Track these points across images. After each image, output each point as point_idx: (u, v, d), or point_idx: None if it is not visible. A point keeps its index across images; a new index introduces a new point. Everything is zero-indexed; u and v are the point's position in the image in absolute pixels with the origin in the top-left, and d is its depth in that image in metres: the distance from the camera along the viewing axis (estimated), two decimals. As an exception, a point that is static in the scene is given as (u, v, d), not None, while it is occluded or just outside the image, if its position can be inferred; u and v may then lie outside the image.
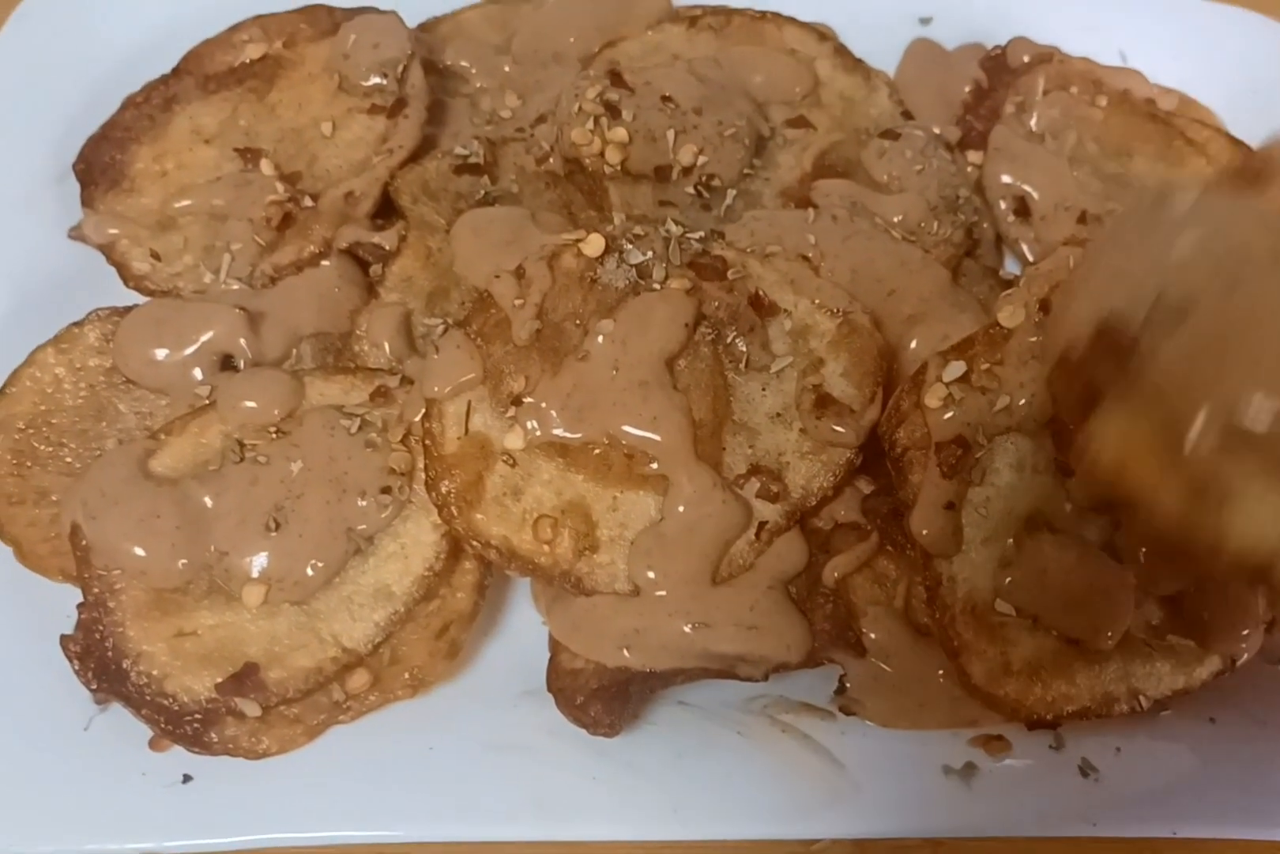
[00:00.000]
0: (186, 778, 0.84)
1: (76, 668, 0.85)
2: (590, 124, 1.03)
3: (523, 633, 0.93)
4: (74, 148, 1.08)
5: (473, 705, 0.88)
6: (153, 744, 0.85)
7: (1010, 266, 1.12)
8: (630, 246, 0.94)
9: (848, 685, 0.89)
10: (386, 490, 0.88)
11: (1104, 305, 0.48)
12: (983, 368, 0.89)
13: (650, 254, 0.94)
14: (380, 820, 0.82)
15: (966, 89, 1.20)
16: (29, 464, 0.93)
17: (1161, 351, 0.43)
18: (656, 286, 0.93)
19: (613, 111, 1.05)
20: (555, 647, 0.89)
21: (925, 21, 1.28)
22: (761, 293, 0.95)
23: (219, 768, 0.83)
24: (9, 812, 0.82)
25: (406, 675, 0.87)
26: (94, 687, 0.85)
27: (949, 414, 0.88)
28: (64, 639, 0.86)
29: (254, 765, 0.84)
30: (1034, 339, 0.89)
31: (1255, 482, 0.39)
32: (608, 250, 0.93)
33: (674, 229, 0.97)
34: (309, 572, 0.85)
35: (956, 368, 0.89)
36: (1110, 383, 0.46)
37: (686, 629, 0.85)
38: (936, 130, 1.14)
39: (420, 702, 0.87)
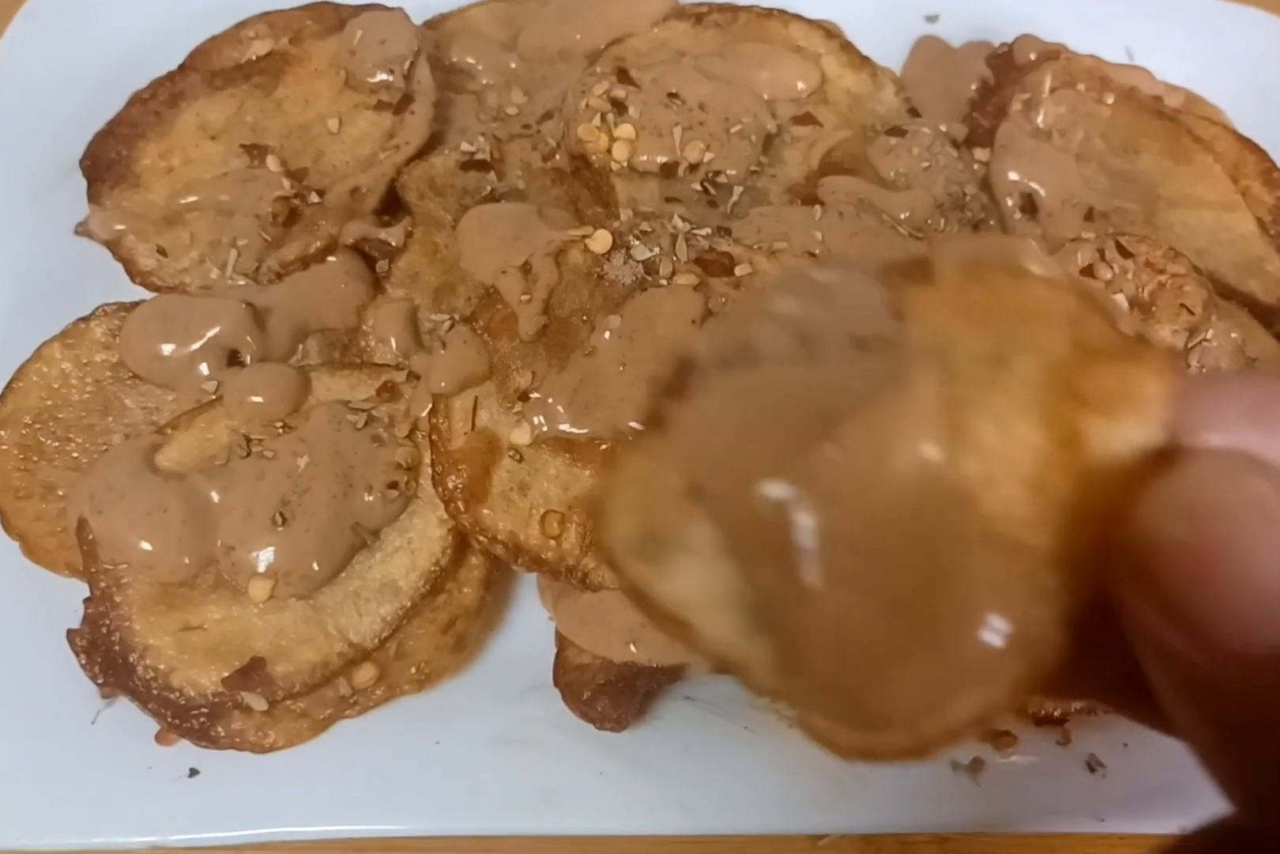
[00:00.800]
0: (193, 772, 0.83)
1: (83, 662, 0.85)
2: (597, 120, 1.03)
3: (528, 629, 0.93)
4: (79, 144, 1.07)
5: (479, 700, 0.88)
6: (159, 738, 0.85)
7: (1016, 263, 1.12)
8: (637, 243, 0.94)
9: (854, 681, 0.89)
10: (393, 485, 0.88)
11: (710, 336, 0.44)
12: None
13: (657, 250, 0.94)
14: (387, 814, 0.82)
15: (973, 86, 1.19)
16: (35, 459, 0.93)
17: (698, 396, 0.40)
18: (664, 283, 0.92)
19: (619, 108, 1.05)
20: (561, 642, 0.89)
21: (932, 19, 1.28)
22: (768, 289, 0.94)
23: (226, 762, 0.83)
24: (15, 806, 0.82)
25: (413, 670, 0.86)
26: (100, 681, 0.85)
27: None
28: (70, 633, 0.86)
29: (261, 759, 0.84)
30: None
31: (697, 549, 0.37)
32: (614, 246, 0.93)
33: (680, 225, 0.97)
34: (315, 566, 0.85)
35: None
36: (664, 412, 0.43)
37: (692, 624, 0.85)
38: (943, 128, 1.13)
39: (426, 696, 0.87)
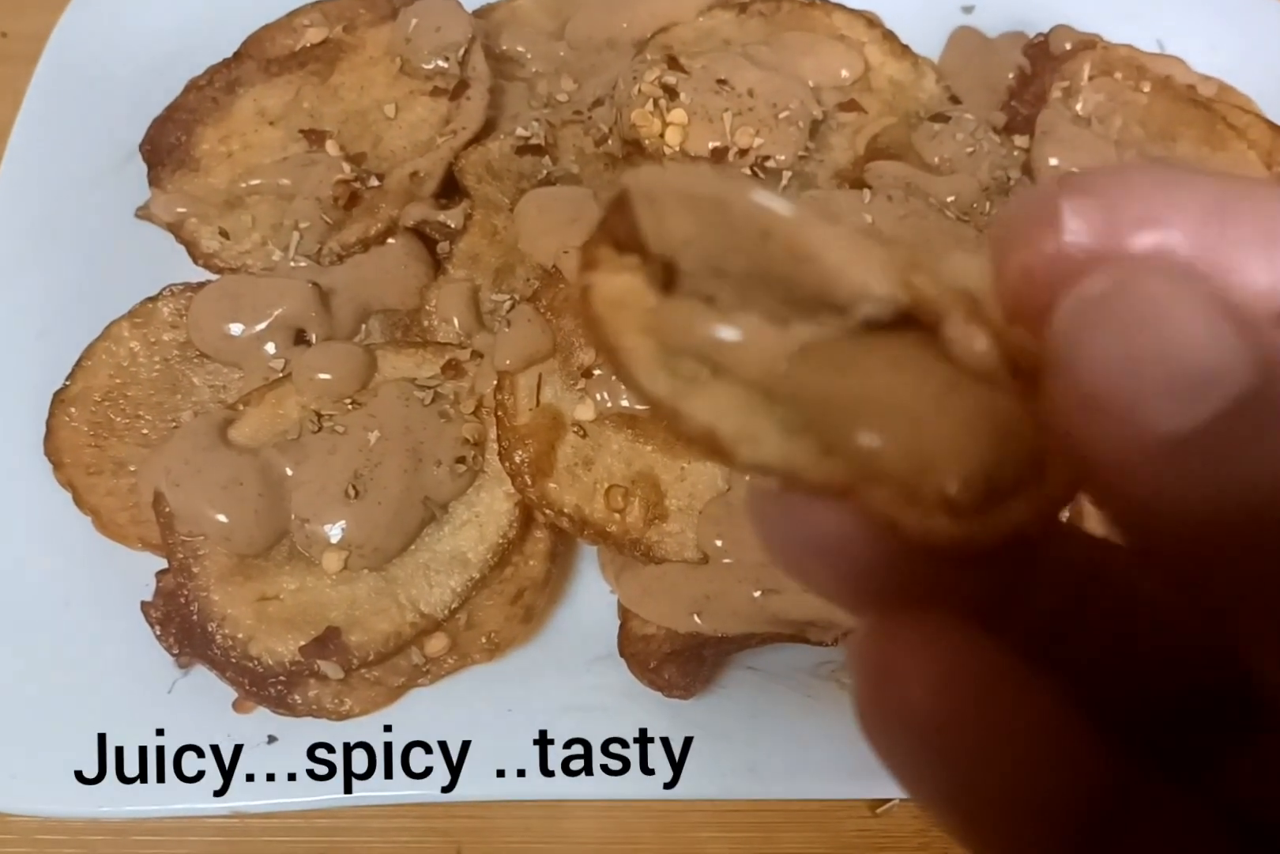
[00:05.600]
0: (272, 739, 0.85)
1: (158, 633, 0.87)
2: (650, 106, 1.05)
3: (590, 602, 0.94)
4: (137, 130, 1.09)
5: (547, 669, 0.89)
6: (237, 706, 0.86)
7: (1056, 248, 1.14)
8: (694, 224, 0.96)
9: (914, 651, 0.91)
10: (461, 460, 0.90)
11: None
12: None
13: (715, 231, 0.96)
14: (460, 779, 0.83)
15: (1010, 75, 1.22)
16: (106, 435, 0.95)
17: None
18: (721, 263, 0.95)
19: (671, 94, 1.06)
20: (625, 614, 0.91)
21: (968, 10, 1.30)
22: (822, 269, 0.96)
23: (303, 729, 0.85)
24: (99, 774, 0.83)
25: (483, 640, 0.88)
26: (176, 651, 0.87)
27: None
28: (144, 605, 0.88)
29: (337, 726, 0.85)
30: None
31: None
32: (673, 227, 0.95)
33: (735, 207, 0.99)
34: (387, 538, 0.87)
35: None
36: None
37: (756, 595, 0.87)
38: (984, 115, 1.16)
39: (496, 666, 0.89)
